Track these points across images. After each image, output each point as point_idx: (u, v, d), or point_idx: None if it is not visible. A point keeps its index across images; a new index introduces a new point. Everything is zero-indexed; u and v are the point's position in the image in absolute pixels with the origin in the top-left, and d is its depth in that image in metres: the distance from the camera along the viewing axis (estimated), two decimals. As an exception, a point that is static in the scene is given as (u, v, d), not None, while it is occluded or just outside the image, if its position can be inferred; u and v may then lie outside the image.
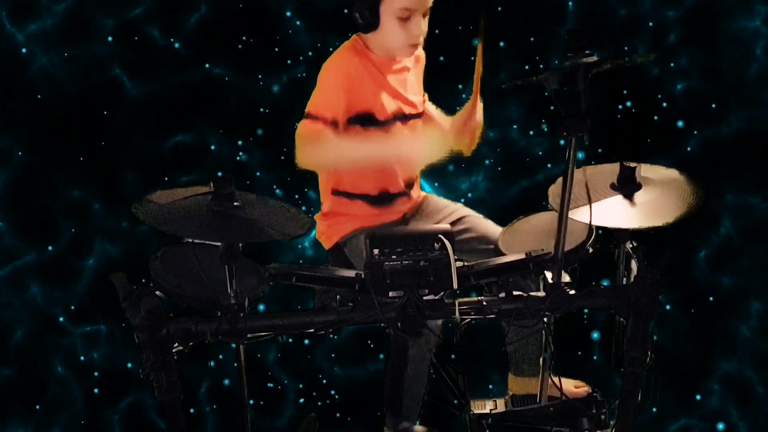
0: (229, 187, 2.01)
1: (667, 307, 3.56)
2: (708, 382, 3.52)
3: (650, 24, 3.70)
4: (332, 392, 3.53)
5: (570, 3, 3.72)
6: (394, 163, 2.53)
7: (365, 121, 2.44)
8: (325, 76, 2.43)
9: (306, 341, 3.56)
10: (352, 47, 2.48)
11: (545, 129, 3.72)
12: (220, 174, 2.16)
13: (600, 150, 3.23)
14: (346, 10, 2.45)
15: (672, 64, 3.71)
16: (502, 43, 3.68)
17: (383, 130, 2.47)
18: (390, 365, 2.61)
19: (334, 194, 2.58)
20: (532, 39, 3.71)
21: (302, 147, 2.33)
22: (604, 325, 3.15)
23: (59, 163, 3.67)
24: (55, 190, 3.67)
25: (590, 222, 2.10)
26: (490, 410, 2.59)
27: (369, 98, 2.43)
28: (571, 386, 2.66)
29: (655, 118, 3.72)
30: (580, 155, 3.29)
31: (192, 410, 3.49)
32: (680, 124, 3.71)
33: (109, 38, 3.64)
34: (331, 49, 3.62)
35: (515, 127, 3.75)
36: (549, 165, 3.71)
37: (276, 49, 3.71)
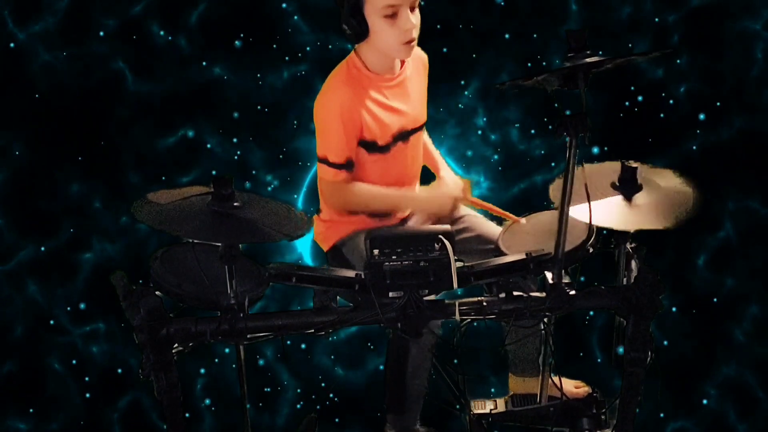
0: (229, 187, 2.00)
1: (673, 309, 3.56)
2: (708, 385, 3.51)
3: (656, 20, 3.69)
4: (331, 395, 3.52)
5: (573, 2, 3.71)
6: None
7: (367, 146, 2.45)
8: (323, 117, 2.42)
9: (302, 345, 3.56)
10: (344, 74, 2.44)
11: (550, 128, 3.71)
12: (214, 173, 2.15)
13: (606, 148, 3.23)
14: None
15: (678, 61, 3.70)
16: (507, 35, 3.67)
17: (385, 154, 2.48)
18: (390, 365, 2.61)
19: None
20: (534, 35, 3.71)
21: (330, 197, 2.50)
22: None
23: (58, 161, 3.66)
24: (55, 188, 3.66)
25: (590, 222, 2.10)
26: (490, 410, 2.58)
27: (367, 126, 2.42)
28: (571, 386, 2.66)
29: (661, 115, 3.71)
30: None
31: (191, 411, 3.47)
32: (683, 125, 3.70)
33: (107, 36, 3.63)
34: (331, 47, 3.65)
35: (516, 126, 3.74)
36: (552, 164, 3.70)
37: (275, 47, 3.70)
